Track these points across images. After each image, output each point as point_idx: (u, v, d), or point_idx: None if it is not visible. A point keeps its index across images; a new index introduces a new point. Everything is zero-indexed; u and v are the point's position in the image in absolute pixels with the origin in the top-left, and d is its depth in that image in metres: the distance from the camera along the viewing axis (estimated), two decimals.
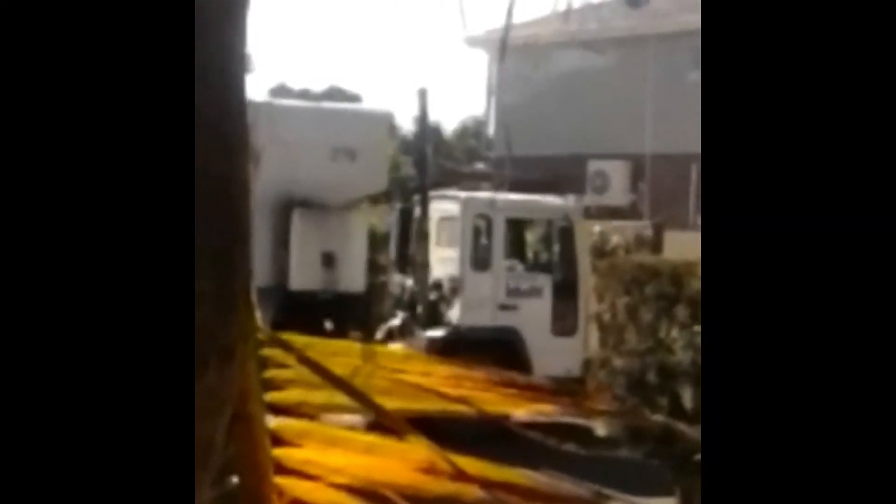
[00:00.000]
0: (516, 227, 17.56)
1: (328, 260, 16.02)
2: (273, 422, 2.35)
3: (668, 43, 28.66)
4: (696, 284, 10.71)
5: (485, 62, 34.81)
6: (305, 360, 2.39)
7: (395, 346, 15.15)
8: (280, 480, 2.27)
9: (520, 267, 17.12)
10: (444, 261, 16.44)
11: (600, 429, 12.36)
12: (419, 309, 16.15)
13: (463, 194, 17.36)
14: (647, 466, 10.75)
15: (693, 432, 8.58)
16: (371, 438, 2.36)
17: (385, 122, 17.38)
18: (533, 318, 15.84)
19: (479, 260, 16.53)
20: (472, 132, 37.19)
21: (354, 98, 18.45)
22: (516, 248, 17.46)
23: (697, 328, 10.59)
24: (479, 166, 29.67)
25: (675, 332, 10.91)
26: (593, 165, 28.18)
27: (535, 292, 16.13)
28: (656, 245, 21.15)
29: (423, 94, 16.66)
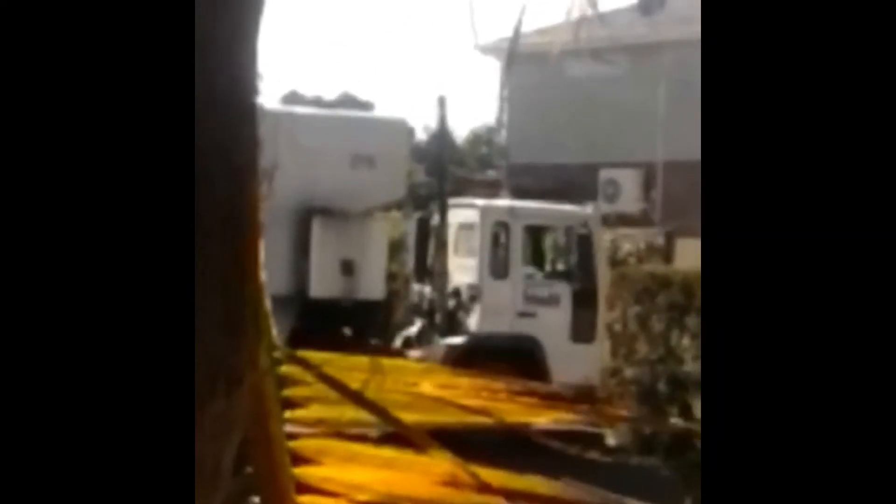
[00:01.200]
0: (534, 235, 17.56)
1: (348, 267, 16.05)
2: (292, 441, 2.35)
3: (680, 51, 28.65)
4: None
5: (497, 70, 34.85)
6: (324, 377, 2.39)
7: (412, 359, 15.18)
8: (301, 499, 2.27)
9: (538, 275, 17.11)
10: (462, 269, 16.45)
11: (611, 438, 12.34)
12: (437, 317, 16.15)
13: (481, 202, 17.39)
14: (660, 475, 10.74)
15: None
16: (391, 453, 2.36)
17: (403, 130, 17.40)
18: (551, 326, 15.80)
19: (498, 268, 16.54)
20: (484, 140, 37.19)
21: (367, 106, 18.42)
22: (534, 255, 17.45)
23: None
24: (491, 174, 29.65)
25: (685, 342, 10.91)
26: (605, 174, 28.15)
27: (553, 300, 16.09)
28: (668, 253, 21.10)
29: (442, 102, 16.69)
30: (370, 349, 15.17)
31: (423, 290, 16.82)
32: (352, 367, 2.45)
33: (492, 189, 21.48)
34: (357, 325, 15.95)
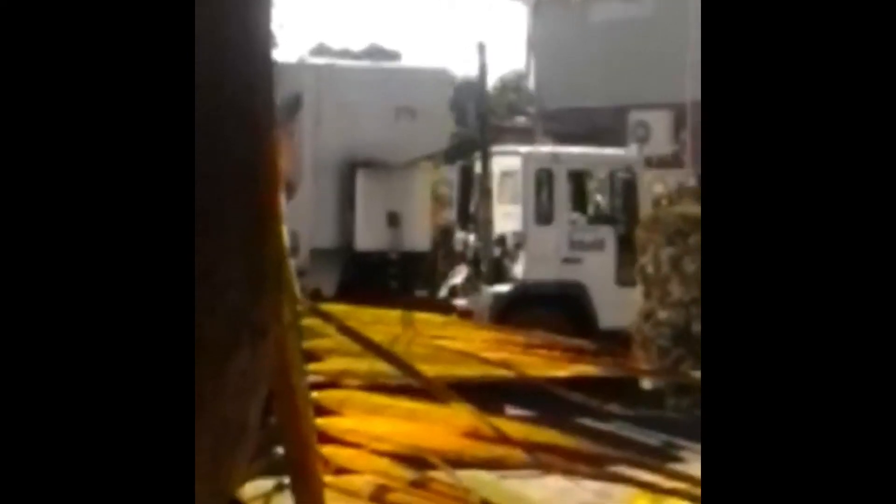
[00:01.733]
0: (577, 180, 17.54)
1: (393, 219, 16.12)
2: (315, 392, 2.36)
3: None
4: None
5: (524, 16, 34.70)
6: (345, 330, 2.39)
7: (458, 307, 15.17)
8: (324, 450, 2.29)
9: (582, 220, 17.10)
10: (506, 216, 16.48)
11: (646, 382, 12.34)
12: (483, 265, 16.20)
13: (524, 149, 17.43)
14: (688, 420, 10.73)
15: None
16: (413, 405, 2.37)
17: (445, 81, 17.41)
18: (597, 271, 15.78)
19: (542, 214, 16.54)
20: (512, 87, 37.04)
21: (394, 56, 18.40)
22: (577, 200, 17.44)
23: None
24: (521, 120, 29.56)
25: None
26: (634, 116, 28.04)
27: (598, 245, 16.06)
28: (700, 194, 21.04)
29: (482, 49, 16.65)
30: (417, 300, 15.27)
31: (466, 239, 16.86)
32: (374, 321, 2.46)
33: (524, 136, 21.41)
34: (404, 276, 16.06)
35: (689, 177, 23.49)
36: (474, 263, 16.43)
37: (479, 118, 16.79)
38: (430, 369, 2.35)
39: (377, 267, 16.06)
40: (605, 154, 17.83)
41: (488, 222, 16.16)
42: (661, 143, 27.91)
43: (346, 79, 16.46)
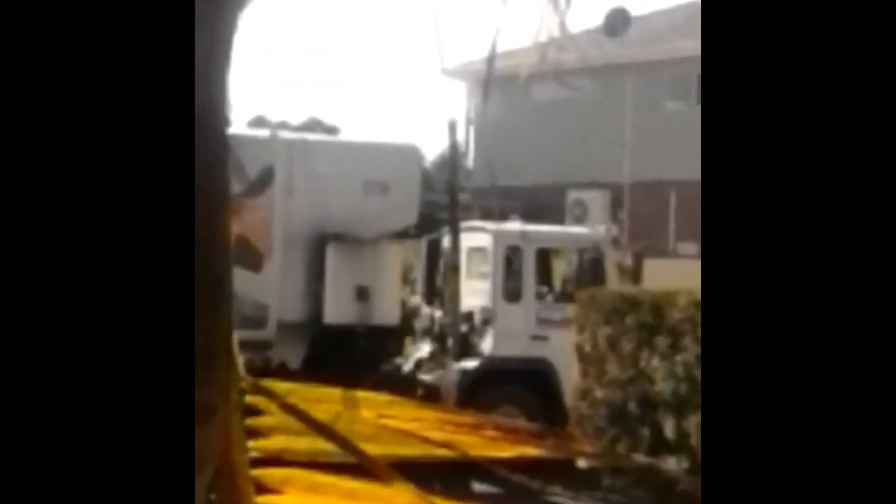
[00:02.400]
0: (545, 258, 17.64)
1: (362, 293, 16.12)
2: (256, 469, 2.34)
3: (645, 72, 28.78)
4: (676, 314, 10.73)
5: (464, 93, 34.92)
6: (288, 407, 2.38)
7: (423, 387, 15.17)
8: None
9: (549, 297, 17.16)
10: (472, 292, 16.51)
11: (581, 462, 12.31)
12: (449, 340, 16.21)
13: (492, 226, 17.55)
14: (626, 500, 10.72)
15: (676, 470, 8.56)
16: (355, 484, 2.36)
17: (415, 156, 17.52)
18: (564, 348, 15.83)
19: (511, 291, 16.58)
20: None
21: (332, 130, 18.45)
22: (545, 278, 17.51)
23: (678, 358, 10.60)
24: (463, 197, 29.60)
25: (655, 362, 10.91)
26: (573, 195, 28.22)
27: (565, 322, 16.12)
28: (636, 274, 21.17)
29: (452, 127, 16.82)
30: (382, 375, 15.25)
31: (433, 314, 16.87)
32: (317, 398, 2.45)
33: (463, 212, 21.48)
34: (371, 351, 16.05)
35: (625, 257, 23.61)
36: (440, 338, 16.44)
37: (448, 194, 16.91)
38: (372, 448, 2.35)
39: (345, 341, 16.06)
40: (573, 232, 18.03)
41: (456, 297, 16.19)
42: (598, 222, 28.08)
43: (316, 153, 16.58)
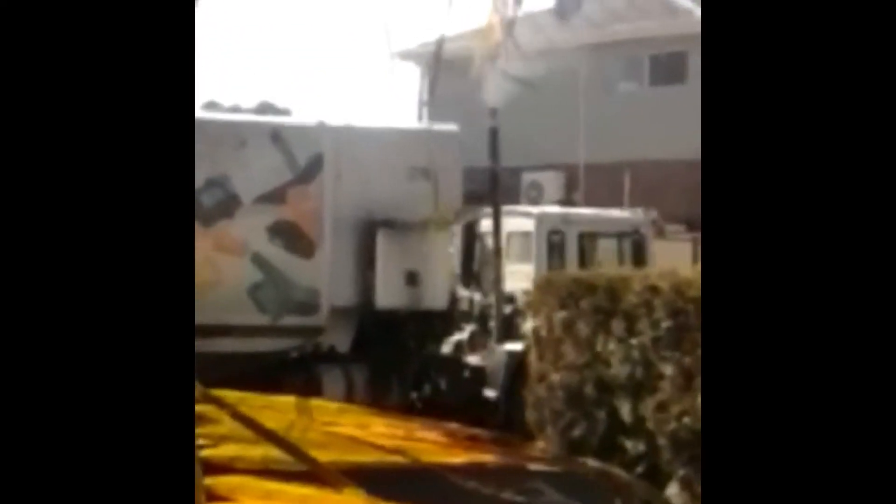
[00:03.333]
0: (587, 241, 17.79)
1: (412, 278, 16.23)
2: (208, 478, 2.33)
3: (597, 53, 28.80)
4: (631, 298, 10.75)
5: (416, 75, 34.81)
6: (239, 416, 2.37)
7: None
8: None
9: None
10: (512, 275, 16.63)
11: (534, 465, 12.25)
12: (491, 323, 16.35)
13: (535, 210, 17.80)
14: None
15: (630, 477, 8.59)
16: (306, 491, 2.35)
17: (456, 141, 17.65)
18: None
19: None
20: None
21: (285, 112, 18.39)
22: (587, 261, 17.62)
23: (634, 341, 10.63)
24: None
25: (611, 346, 10.94)
26: (527, 177, 28.25)
27: None
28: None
29: (493, 112, 16.95)
30: (427, 358, 15.46)
31: (471, 297, 17.01)
32: (268, 406, 2.44)
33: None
34: (420, 334, 16.28)
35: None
36: (480, 321, 16.57)
37: (491, 178, 16.91)
38: (323, 455, 2.34)
39: (394, 325, 16.35)
40: (614, 216, 18.38)
41: (500, 280, 16.31)
42: (553, 203, 28.11)
43: (362, 140, 16.82)
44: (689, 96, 31.45)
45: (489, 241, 16.91)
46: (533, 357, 12.07)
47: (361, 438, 2.24)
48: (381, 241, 16.33)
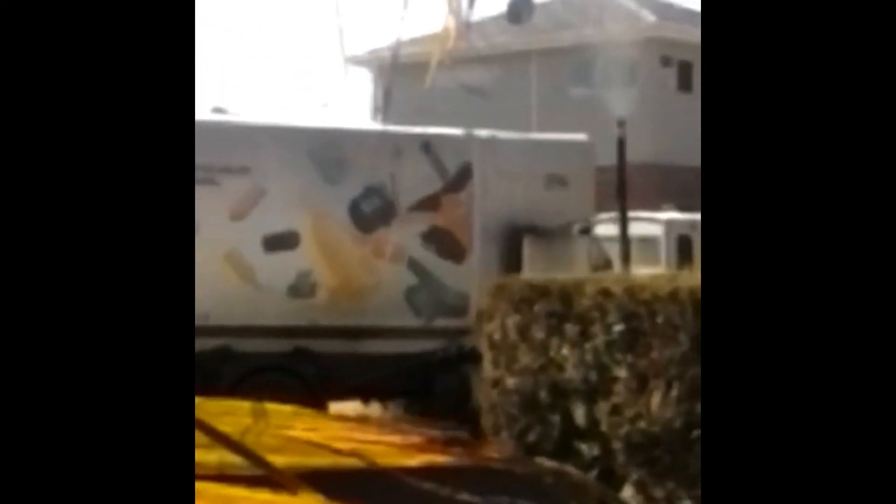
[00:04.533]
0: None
1: None
2: None
3: (549, 59, 28.90)
4: (584, 302, 10.80)
5: (369, 81, 34.83)
6: (195, 422, 2.38)
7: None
8: None
9: None
10: None
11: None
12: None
13: (663, 216, 18.06)
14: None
15: (586, 476, 8.63)
16: (265, 495, 2.36)
17: (590, 150, 18.01)
18: None
19: None
20: None
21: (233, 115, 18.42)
22: None
23: (587, 345, 10.67)
24: None
25: (565, 350, 10.98)
26: None
27: None
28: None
29: (622, 122, 17.28)
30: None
31: None
32: (224, 412, 2.45)
33: None
34: None
35: None
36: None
37: (619, 186, 17.54)
38: (280, 460, 2.36)
39: None
40: None
41: None
42: None
43: (504, 149, 17.60)
44: (640, 100, 31.65)
45: (599, 247, 17.25)
46: (487, 362, 12.08)
47: (317, 442, 2.26)
48: (528, 247, 16.91)
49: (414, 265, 16.40)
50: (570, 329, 10.89)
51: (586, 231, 17.65)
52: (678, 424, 9.69)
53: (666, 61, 32.74)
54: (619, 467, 10.15)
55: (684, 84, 33.54)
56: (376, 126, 17.54)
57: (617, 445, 10.24)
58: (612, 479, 10.05)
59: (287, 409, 2.50)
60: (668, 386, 9.82)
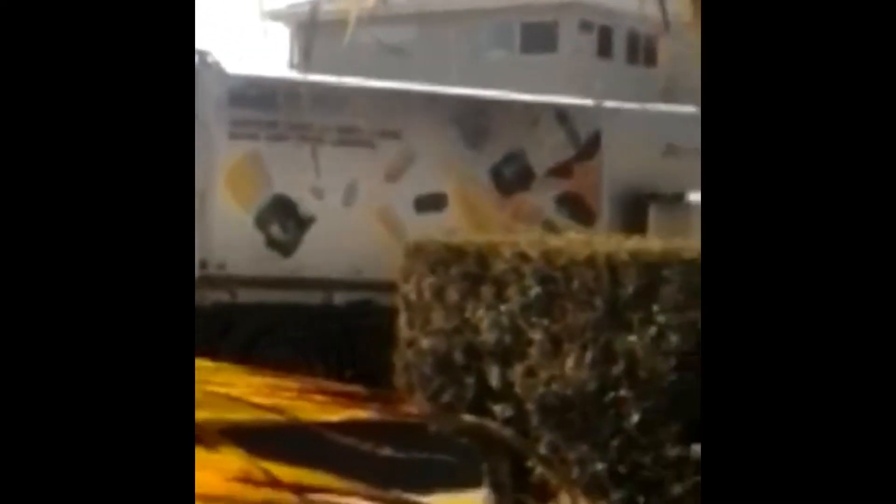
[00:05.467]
0: None
1: None
2: None
3: (468, 20, 28.89)
4: (500, 265, 10.82)
5: (286, 36, 34.61)
6: None
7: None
8: None
9: None
10: None
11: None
12: None
13: None
14: (460, 463, 10.86)
15: (505, 431, 8.68)
16: None
17: (696, 121, 18.27)
18: None
19: None
20: None
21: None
22: None
23: (503, 307, 10.71)
24: None
25: (480, 312, 11.01)
26: None
27: None
28: None
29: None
30: None
31: None
32: None
33: None
34: None
35: None
36: None
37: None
38: (199, 414, 2.33)
39: None
40: None
41: None
42: None
43: (628, 119, 18.87)
44: (559, 65, 31.74)
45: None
46: (403, 322, 12.09)
47: (238, 397, 2.23)
48: (653, 213, 17.77)
49: (549, 227, 16.82)
50: (486, 291, 10.92)
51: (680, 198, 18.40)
52: (591, 388, 9.77)
53: (586, 26, 32.84)
54: (532, 429, 10.21)
55: (604, 50, 33.69)
56: (516, 95, 18.80)
57: (530, 407, 10.30)
58: (525, 441, 10.11)
59: (208, 364, 2.47)
60: (583, 349, 9.88)
